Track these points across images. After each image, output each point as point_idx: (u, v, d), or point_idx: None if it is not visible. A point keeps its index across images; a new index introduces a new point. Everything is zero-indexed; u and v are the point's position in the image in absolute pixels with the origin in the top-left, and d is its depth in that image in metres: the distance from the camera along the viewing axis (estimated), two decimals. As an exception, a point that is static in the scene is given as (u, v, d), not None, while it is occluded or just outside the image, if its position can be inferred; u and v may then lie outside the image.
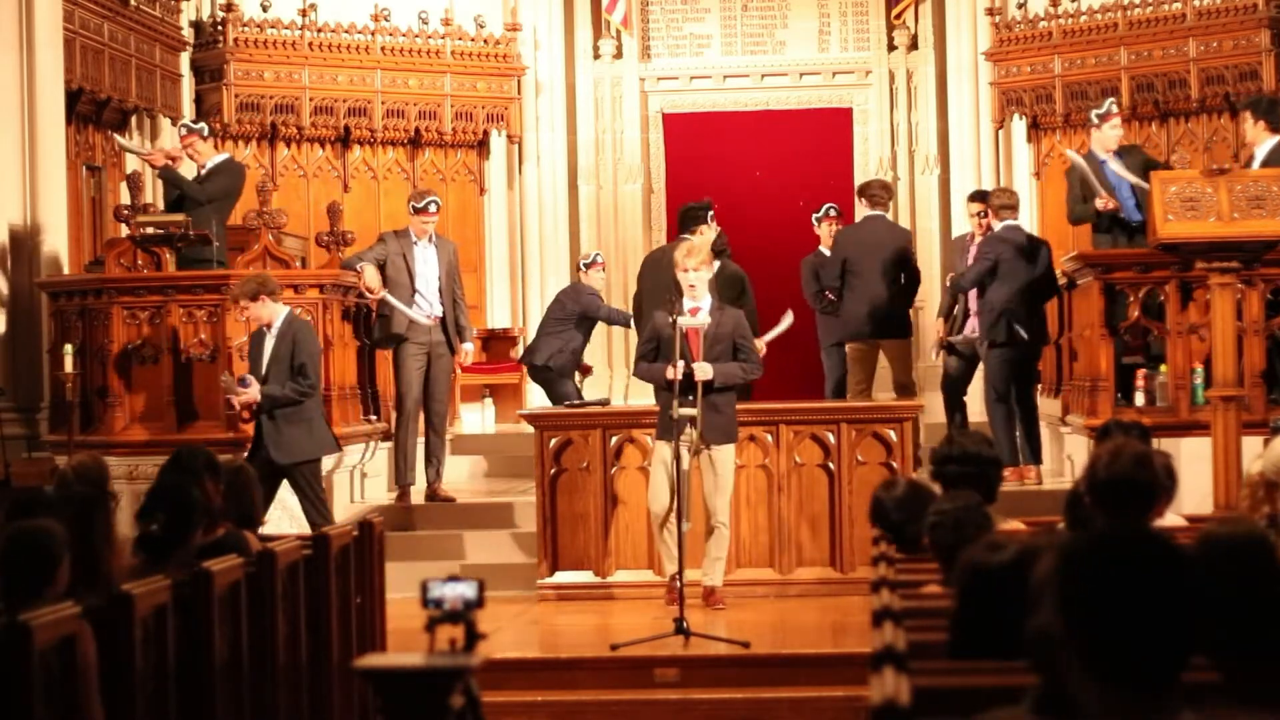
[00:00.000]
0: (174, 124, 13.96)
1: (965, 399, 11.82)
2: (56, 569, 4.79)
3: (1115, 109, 11.28)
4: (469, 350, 11.40)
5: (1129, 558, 2.36)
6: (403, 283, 11.03)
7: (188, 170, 11.54)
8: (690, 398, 8.78)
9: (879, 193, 11.86)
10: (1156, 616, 2.34)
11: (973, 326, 11.54)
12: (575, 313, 12.60)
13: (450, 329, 11.11)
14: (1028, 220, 14.65)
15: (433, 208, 11.22)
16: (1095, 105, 14.43)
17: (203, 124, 11.84)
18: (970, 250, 11.64)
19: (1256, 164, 10.10)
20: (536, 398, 13.95)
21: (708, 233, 10.41)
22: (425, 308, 11.04)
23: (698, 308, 9.08)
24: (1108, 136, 11.02)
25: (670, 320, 8.95)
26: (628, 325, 12.61)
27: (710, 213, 10.64)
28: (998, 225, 11.29)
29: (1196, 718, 2.42)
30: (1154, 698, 2.35)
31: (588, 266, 13.06)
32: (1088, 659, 2.34)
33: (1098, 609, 2.33)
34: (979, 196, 12.01)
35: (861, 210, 11.86)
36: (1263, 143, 10.30)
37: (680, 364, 8.71)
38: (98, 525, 5.25)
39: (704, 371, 8.88)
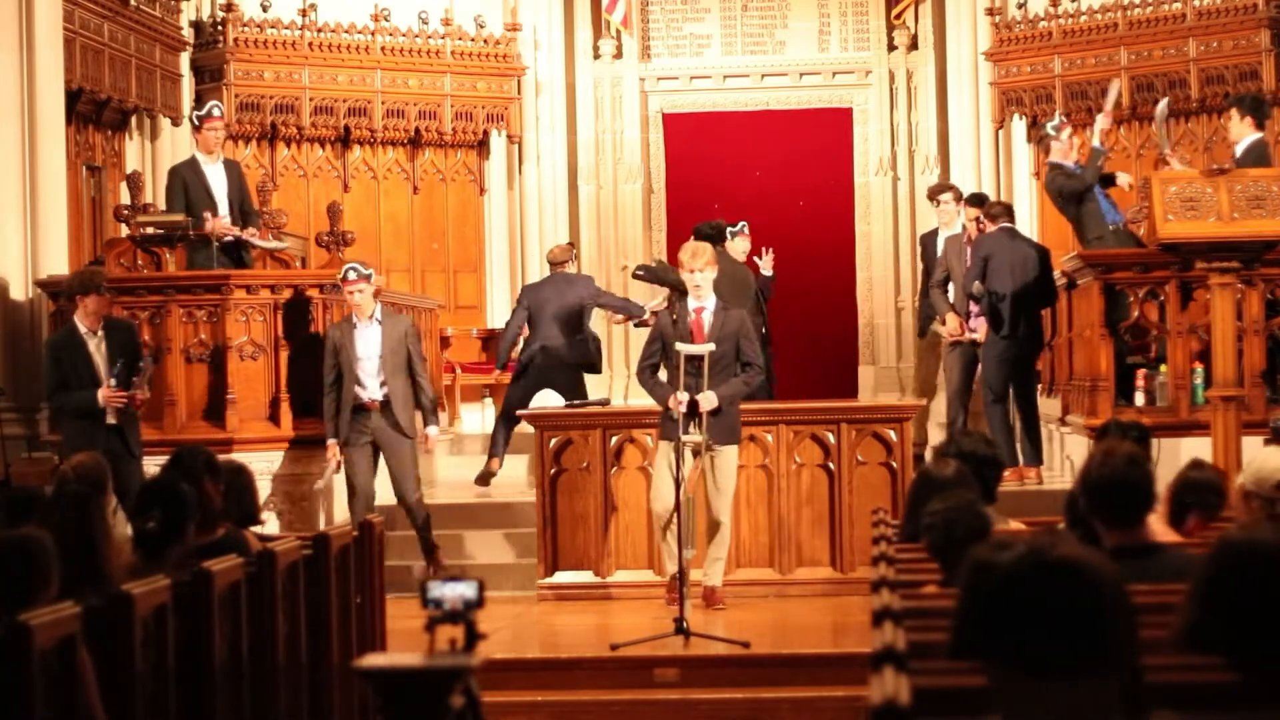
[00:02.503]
0: (175, 124, 13.97)
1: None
2: (47, 577, 4.77)
3: (1065, 119, 11.59)
4: (433, 435, 10.58)
5: (1048, 578, 2.77)
6: (350, 370, 10.11)
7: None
8: (695, 421, 8.82)
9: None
10: (1072, 623, 2.72)
11: (969, 328, 11.51)
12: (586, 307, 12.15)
13: (398, 411, 10.11)
14: (1028, 220, 14.66)
15: (352, 274, 10.12)
16: (1096, 105, 14.54)
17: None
18: (964, 252, 11.62)
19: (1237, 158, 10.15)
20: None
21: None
22: (363, 394, 10.11)
23: (702, 307, 9.16)
24: (1068, 145, 11.18)
25: (672, 319, 9.06)
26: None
27: (729, 232, 11.87)
28: (991, 229, 11.36)
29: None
30: (1085, 696, 2.58)
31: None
32: (1018, 662, 2.71)
33: (1022, 621, 2.75)
34: (977, 201, 11.97)
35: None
36: (1245, 138, 10.36)
37: (685, 396, 8.78)
38: (95, 522, 5.24)
39: (709, 402, 8.90)
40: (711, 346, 8.93)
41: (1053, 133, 11.32)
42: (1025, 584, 2.73)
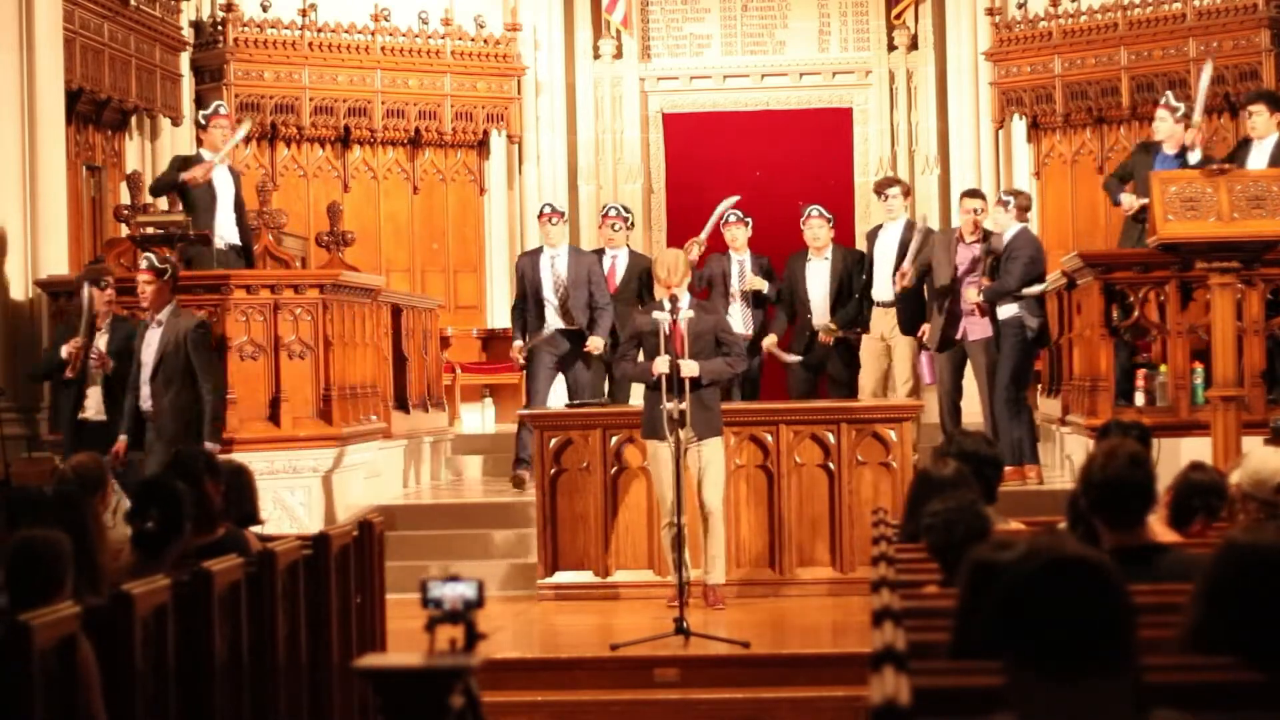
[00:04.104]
0: (175, 124, 13.98)
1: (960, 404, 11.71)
2: (63, 578, 4.79)
3: (1170, 102, 11.01)
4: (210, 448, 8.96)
5: (1062, 577, 2.73)
6: (135, 375, 9.46)
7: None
8: (677, 392, 8.81)
9: None
10: (1087, 625, 2.69)
11: (961, 329, 11.34)
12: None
13: (167, 427, 9.28)
14: (1030, 221, 14.64)
15: (143, 263, 9.34)
16: (1096, 105, 14.55)
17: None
18: (955, 248, 11.44)
19: (1265, 155, 10.09)
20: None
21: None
22: (142, 403, 9.43)
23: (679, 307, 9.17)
24: (1156, 128, 10.99)
25: (651, 318, 9.07)
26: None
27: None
28: (1017, 226, 11.22)
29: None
30: (1097, 698, 2.53)
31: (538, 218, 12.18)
32: (1029, 663, 2.69)
33: (1035, 622, 2.71)
34: (978, 194, 11.88)
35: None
36: (1270, 135, 10.32)
37: (666, 358, 8.77)
38: (88, 522, 5.24)
39: (690, 368, 8.90)
40: (691, 313, 8.94)
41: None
42: (1041, 583, 2.70)
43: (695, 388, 8.97)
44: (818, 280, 11.99)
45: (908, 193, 12.42)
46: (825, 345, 11.98)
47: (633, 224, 12.53)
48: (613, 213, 12.32)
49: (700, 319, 9.19)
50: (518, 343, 11.80)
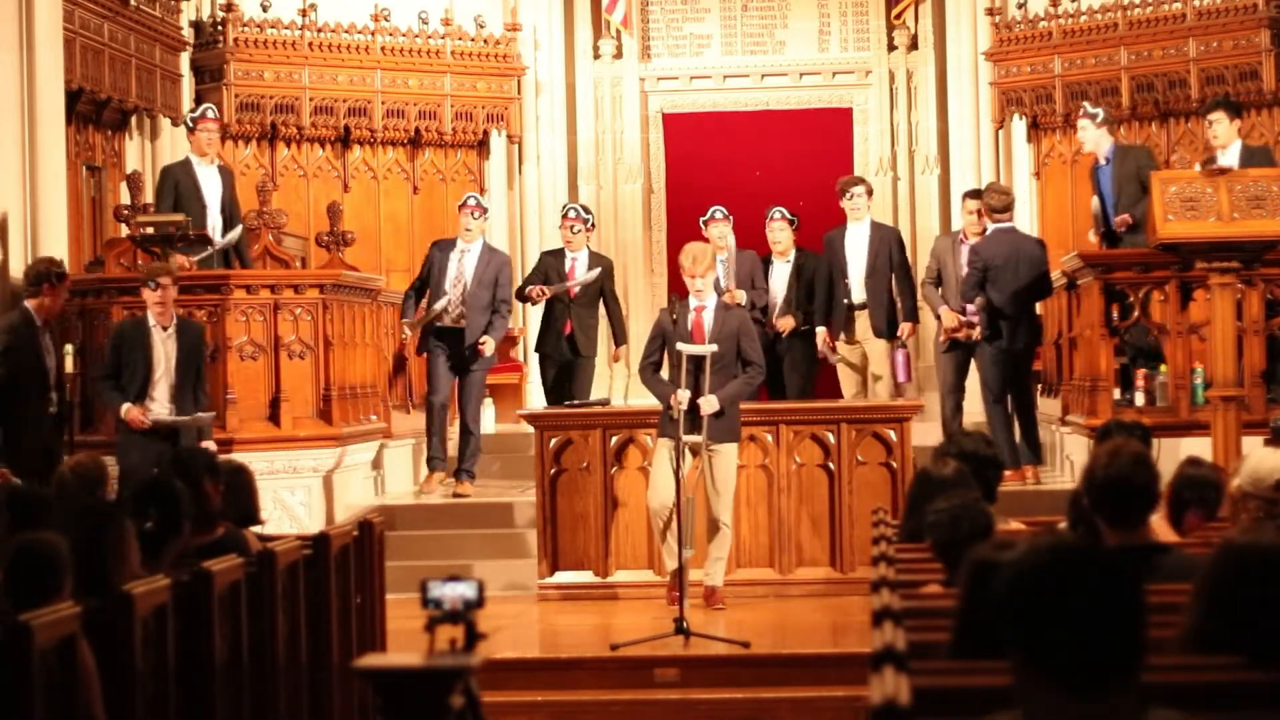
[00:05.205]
0: (175, 124, 13.97)
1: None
2: (62, 581, 4.78)
3: (1087, 110, 11.41)
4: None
5: (1075, 572, 2.61)
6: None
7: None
8: (695, 422, 8.85)
9: None
10: (1100, 625, 2.57)
11: (966, 322, 11.40)
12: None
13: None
14: (1028, 220, 14.64)
15: (60, 277, 9.73)
16: (1096, 105, 14.52)
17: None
18: (961, 250, 11.49)
19: (1232, 164, 10.12)
20: (537, 398, 13.97)
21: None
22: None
23: (703, 306, 9.22)
24: (1081, 138, 11.21)
25: (673, 317, 9.07)
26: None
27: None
28: (990, 228, 11.24)
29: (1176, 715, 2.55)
30: (1106, 703, 2.48)
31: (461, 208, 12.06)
32: (1036, 663, 2.58)
33: (1045, 619, 2.58)
34: (977, 194, 11.88)
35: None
36: (1232, 143, 10.40)
37: (685, 394, 8.78)
38: (110, 538, 5.23)
39: (710, 405, 8.92)
40: (714, 348, 8.94)
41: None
42: (1053, 578, 2.60)
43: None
44: (779, 282, 12.03)
45: (871, 192, 12.40)
46: (783, 338, 11.99)
47: (593, 224, 12.40)
48: (572, 214, 12.15)
49: (725, 320, 9.20)
50: (404, 319, 11.97)
